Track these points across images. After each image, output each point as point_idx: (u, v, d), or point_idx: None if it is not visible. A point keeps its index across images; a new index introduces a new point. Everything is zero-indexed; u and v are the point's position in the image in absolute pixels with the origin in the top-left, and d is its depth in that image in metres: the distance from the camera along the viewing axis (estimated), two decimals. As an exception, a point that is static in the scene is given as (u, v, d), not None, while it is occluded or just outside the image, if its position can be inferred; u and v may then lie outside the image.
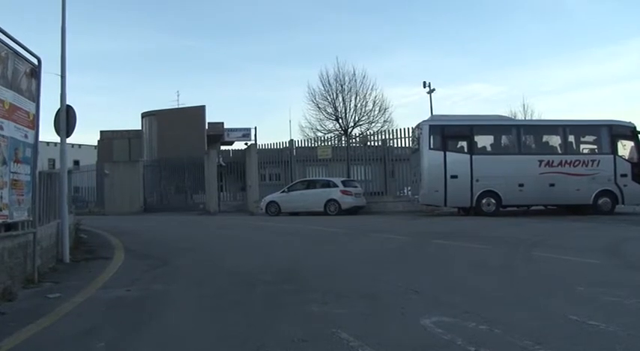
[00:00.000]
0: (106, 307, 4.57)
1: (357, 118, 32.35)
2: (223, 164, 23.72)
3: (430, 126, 15.08)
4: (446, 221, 13.32)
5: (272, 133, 75.83)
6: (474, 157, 14.80)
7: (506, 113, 30.06)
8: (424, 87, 31.28)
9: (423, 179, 14.99)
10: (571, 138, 14.91)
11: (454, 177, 14.69)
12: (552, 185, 14.34)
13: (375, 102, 32.24)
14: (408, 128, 19.00)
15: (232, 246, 9.18)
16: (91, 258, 7.56)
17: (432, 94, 31.07)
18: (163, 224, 15.46)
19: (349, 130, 32.02)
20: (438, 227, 11.54)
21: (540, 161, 14.49)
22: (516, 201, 14.78)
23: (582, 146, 14.95)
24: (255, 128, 34.61)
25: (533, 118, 30.67)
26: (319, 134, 31.75)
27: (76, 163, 40.88)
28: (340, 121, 32.33)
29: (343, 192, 17.90)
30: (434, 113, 24.77)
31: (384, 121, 32.22)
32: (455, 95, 63.31)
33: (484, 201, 14.67)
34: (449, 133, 15.01)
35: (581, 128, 14.95)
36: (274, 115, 75.91)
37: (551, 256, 6.78)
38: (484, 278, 5.51)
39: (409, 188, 18.44)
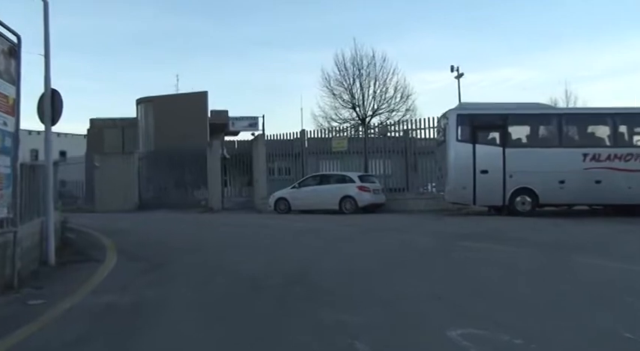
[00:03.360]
0: (96, 314, 4.56)
1: (376, 106, 32.29)
2: (227, 157, 23.77)
3: (458, 115, 14.93)
4: (474, 221, 13.20)
5: (282, 123, 75.90)
6: (507, 150, 14.55)
7: (545, 100, 29.67)
8: (451, 71, 30.98)
9: (449, 174, 14.86)
10: (622, 128, 14.53)
11: (484, 172, 14.53)
12: (598, 182, 13.99)
13: (396, 88, 32.16)
14: (433, 117, 18.89)
15: (237, 246, 9.20)
16: (80, 260, 7.56)
17: (460, 79, 30.76)
18: (161, 223, 15.56)
19: (367, 119, 31.94)
20: (466, 228, 11.45)
21: (585, 155, 14.20)
22: (556, 199, 14.54)
23: (635, 138, 14.55)
24: (263, 117, 34.93)
25: (577, 106, 30.26)
26: (334, 124, 31.79)
27: (63, 154, 41.23)
28: (357, 109, 32.29)
29: (360, 188, 17.89)
30: (462, 101, 24.57)
31: (407, 109, 32.15)
32: (485, 80, 62.69)
33: (518, 199, 14.49)
34: (479, 122, 14.84)
35: (633, 117, 14.50)
36: (284, 102, 76.07)
37: (594, 262, 6.65)
38: (517, 285, 5.42)
39: (433, 184, 18.34)
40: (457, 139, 14.79)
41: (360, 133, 23.33)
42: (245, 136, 35.89)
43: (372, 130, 23.92)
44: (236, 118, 35.39)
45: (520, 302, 4.65)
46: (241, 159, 23.80)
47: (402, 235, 9.97)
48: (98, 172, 25.03)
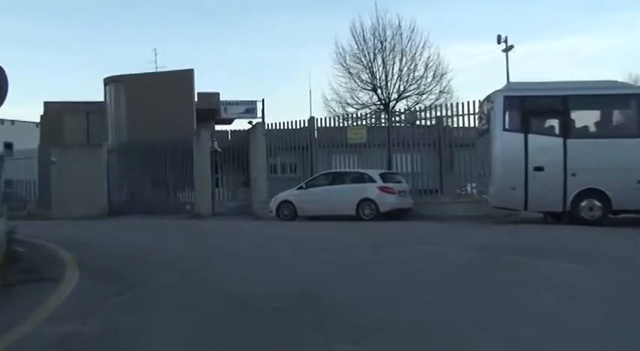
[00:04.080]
0: (51, 348, 4.48)
1: (402, 88, 32.31)
2: (219, 150, 23.91)
3: (506, 98, 14.84)
4: (526, 231, 13.11)
5: (285, 109, 76.00)
6: (569, 141, 14.44)
7: (622, 78, 28.80)
8: (498, 43, 30.92)
9: (494, 172, 14.81)
10: None
11: (539, 169, 14.39)
12: None
13: (427, 65, 32.18)
14: (474, 101, 18.86)
15: (230, 262, 9.15)
16: (31, 280, 7.47)
17: (509, 52, 30.66)
18: (135, 232, 15.60)
19: (391, 104, 31.95)
20: (516, 239, 11.38)
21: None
22: (634, 204, 14.30)
23: None
24: (263, 101, 34.92)
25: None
26: (350, 110, 31.93)
27: (8, 146, 41.26)
28: (379, 91, 32.31)
29: (382, 189, 17.98)
30: (511, 80, 24.41)
31: (440, 91, 32.16)
32: (541, 54, 61.97)
33: (584, 204, 14.30)
34: (533, 107, 14.79)
35: None
36: (288, 83, 76.15)
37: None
38: (585, 314, 5.27)
39: (474, 185, 18.39)
40: (504, 128, 14.72)
41: (383, 121, 23.28)
42: (240, 124, 35.98)
43: (398, 118, 23.85)
44: (229, 103, 35.47)
45: (592, 337, 4.49)
46: (236, 153, 23.91)
47: (434, 248, 9.91)
48: (55, 170, 25.14)
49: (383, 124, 22.41)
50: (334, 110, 32.67)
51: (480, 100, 17.44)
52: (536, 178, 14.36)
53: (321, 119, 22.75)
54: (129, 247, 11.41)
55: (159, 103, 30.64)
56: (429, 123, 20.93)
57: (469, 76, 62.35)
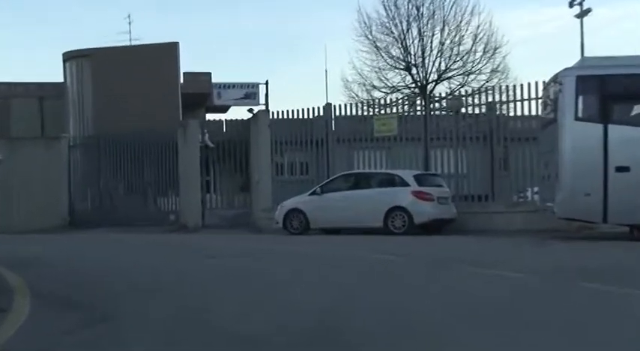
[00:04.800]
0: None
1: (443, 67, 32.31)
2: (211, 145, 24.05)
3: (579, 78, 14.76)
4: (607, 250, 12.97)
5: (295, 93, 76.04)
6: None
7: None
8: (570, 7, 30.47)
9: (562, 173, 14.73)
10: None
11: (623, 169, 14.27)
12: None
13: (476, 37, 32.21)
14: (537, 83, 18.80)
15: (226, 286, 9.11)
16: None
17: (585, 18, 30.18)
18: (104, 249, 15.58)
19: (429, 86, 31.89)
20: (592, 260, 11.25)
21: None
22: None
23: None
24: (267, 84, 35.11)
25: None
26: (377, 95, 31.94)
27: None
28: (414, 71, 32.30)
29: (417, 194, 18.04)
30: (585, 55, 24.16)
31: (493, 70, 32.13)
32: (626, 19, 60.96)
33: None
34: (614, 89, 14.73)
35: None
36: (298, 61, 76.18)
37: None
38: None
39: (535, 190, 18.27)
40: (576, 117, 14.66)
41: (419, 108, 23.22)
42: (238, 113, 36.15)
43: (438, 104, 23.76)
44: (224, 86, 35.64)
45: None
46: (232, 149, 24.04)
47: (486, 272, 9.78)
48: (0, 169, 25.20)
49: (419, 113, 22.36)
50: (357, 95, 32.81)
51: (544, 82, 17.37)
52: (618, 181, 14.22)
53: (340, 106, 22.80)
54: (96, 268, 11.37)
55: (134, 85, 30.81)
56: (477, 111, 20.94)
57: (530, 51, 61.94)
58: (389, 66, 32.61)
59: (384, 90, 32.41)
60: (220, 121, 27.75)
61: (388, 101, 25.17)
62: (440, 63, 32.19)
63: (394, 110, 22.60)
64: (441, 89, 31.60)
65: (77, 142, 27.94)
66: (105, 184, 26.30)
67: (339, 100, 35.55)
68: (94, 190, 26.54)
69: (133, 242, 17.53)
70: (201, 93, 34.95)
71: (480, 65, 32.08)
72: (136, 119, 27.65)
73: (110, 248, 15.68)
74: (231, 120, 27.46)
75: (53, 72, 38.79)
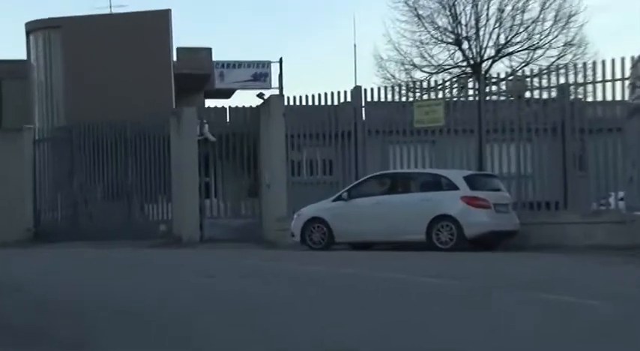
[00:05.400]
0: None
1: (502, 40, 32.11)
2: (212, 139, 24.13)
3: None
4: None
5: (315, 75, 76.10)
6: None
7: None
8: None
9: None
10: None
11: None
12: None
13: (545, 3, 31.89)
14: (622, 59, 18.72)
15: (228, 316, 9.09)
16: None
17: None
18: (79, 268, 15.58)
19: (485, 65, 31.72)
20: None
21: None
22: None
23: None
24: (280, 62, 34.84)
25: None
26: (419, 75, 31.88)
27: None
28: (466, 45, 32.10)
29: (469, 200, 18.01)
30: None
31: (566, 43, 31.89)
32: None
33: None
34: None
35: None
36: (319, 35, 76.08)
37: None
38: None
39: (621, 195, 18.21)
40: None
41: (471, 92, 23.06)
42: (245, 98, 36.10)
43: (495, 87, 23.63)
44: (227, 65, 35.56)
45: None
46: (238, 144, 24.16)
47: (563, 298, 9.65)
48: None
49: (471, 98, 22.28)
50: (393, 76, 32.81)
51: (632, 58, 17.34)
52: None
53: (372, 91, 22.70)
54: (66, 293, 11.38)
55: (115, 63, 30.76)
56: (546, 95, 20.83)
57: (615, 19, 61.45)
58: (434, 39, 32.60)
59: (427, 70, 32.45)
60: (223, 108, 27.40)
61: (432, 84, 25.15)
62: (498, 35, 32.11)
63: (440, 95, 22.49)
64: (500, 68, 31.53)
65: (44, 134, 28.01)
66: (79, 188, 26.32)
67: (370, 82, 35.64)
68: (65, 194, 26.59)
69: (113, 260, 17.51)
70: (200, 74, 34.85)
71: (549, 37, 31.98)
72: (118, 106, 27.59)
73: (85, 267, 15.65)
74: (237, 107, 27.04)
75: (14, 47, 38.92)
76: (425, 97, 22.48)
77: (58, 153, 26.92)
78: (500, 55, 32.14)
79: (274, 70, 34.45)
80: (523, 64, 31.25)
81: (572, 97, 20.09)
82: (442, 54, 32.67)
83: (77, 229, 24.89)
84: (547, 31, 31.81)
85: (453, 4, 31.96)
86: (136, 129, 25.32)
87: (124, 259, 17.44)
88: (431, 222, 17.92)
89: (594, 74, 19.59)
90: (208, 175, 24.51)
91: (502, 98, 22.46)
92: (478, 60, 31.84)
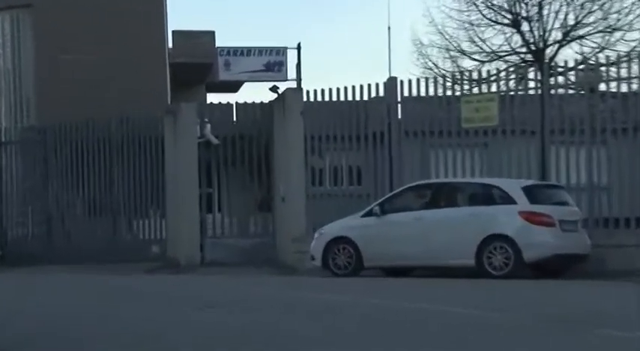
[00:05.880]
0: None
1: (571, 20, 31.97)
2: (215, 141, 24.27)
3: None
4: None
5: (340, 64, 76.12)
6: None
7: None
8: None
9: None
10: None
11: None
12: None
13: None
14: None
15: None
16: None
17: None
18: (52, 299, 15.64)
19: (549, 51, 31.66)
20: None
21: None
22: None
23: None
24: (299, 49, 34.91)
25: None
26: (467, 64, 31.99)
27: None
28: (527, 26, 32.04)
29: (529, 216, 17.94)
30: None
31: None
32: None
33: None
34: None
35: None
36: (345, 16, 76.08)
37: None
38: None
39: None
40: None
41: (532, 84, 23.02)
42: (256, 92, 36.14)
43: (562, 78, 23.59)
44: (234, 52, 35.65)
45: None
46: (247, 148, 24.25)
47: (632, 335, 9.66)
48: None
49: (532, 92, 22.19)
50: (436, 66, 32.79)
51: None
52: None
53: (409, 83, 22.60)
54: (46, 328, 11.49)
55: (99, 50, 30.90)
56: (625, 88, 20.77)
57: None
58: (486, 20, 32.48)
59: (477, 57, 32.36)
60: (229, 104, 27.41)
61: (484, 74, 24.98)
62: (566, 14, 31.94)
63: (494, 88, 22.49)
64: (568, 55, 31.21)
65: (12, 136, 28.06)
66: (55, 200, 26.41)
67: (408, 73, 35.52)
68: (37, 208, 26.65)
69: (95, 288, 17.57)
70: (200, 63, 34.95)
71: (629, 17, 31.74)
72: (102, 102, 27.74)
73: (61, 297, 15.72)
74: (245, 103, 26.91)
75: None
76: (475, 90, 22.35)
77: (29, 158, 26.96)
78: (568, 38, 31.97)
79: (291, 58, 34.52)
80: (597, 50, 31.07)
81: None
82: (496, 38, 32.58)
83: (52, 251, 24.91)
84: (627, 10, 31.62)
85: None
86: (124, 130, 25.41)
87: (105, 288, 17.42)
88: (482, 243, 17.82)
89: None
90: (211, 185, 24.65)
91: (570, 92, 22.41)
92: (541, 45, 31.73)
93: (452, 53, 32.64)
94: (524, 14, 31.90)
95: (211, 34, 36.04)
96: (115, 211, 25.92)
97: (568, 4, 31.62)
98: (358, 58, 74.29)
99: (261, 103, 25.90)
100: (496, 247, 17.79)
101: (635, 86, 20.42)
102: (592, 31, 31.89)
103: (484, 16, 32.27)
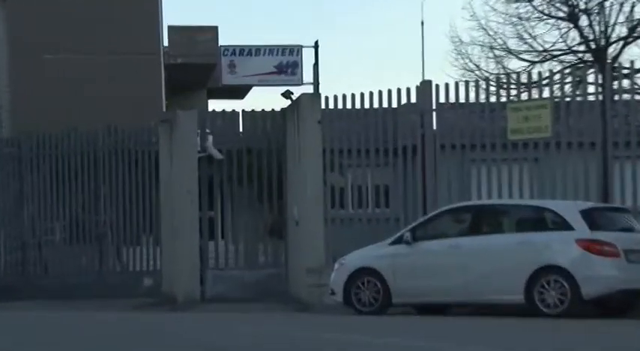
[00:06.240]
0: None
1: (637, 14, 31.93)
2: (218, 156, 24.37)
3: None
4: None
5: (364, 65, 76.24)
6: None
7: None
8: None
9: None
10: None
11: None
12: None
13: None
14: None
15: None
16: None
17: None
18: (26, 344, 15.69)
19: (611, 49, 31.64)
20: None
21: None
22: None
23: None
24: (317, 48, 34.99)
25: None
26: (515, 66, 31.97)
27: None
28: (587, 20, 32.01)
29: (589, 245, 17.71)
30: None
31: None
32: None
33: None
34: None
35: None
36: (369, 9, 76.27)
37: None
38: None
39: None
40: None
41: (592, 89, 22.97)
42: (265, 98, 36.17)
43: (627, 81, 23.51)
44: (241, 50, 35.80)
45: None
46: (256, 163, 24.34)
47: None
48: None
49: (591, 98, 22.12)
50: (477, 67, 32.62)
51: None
52: None
53: (446, 87, 22.61)
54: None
55: (82, 49, 30.96)
56: None
57: None
58: (538, 14, 32.43)
59: (527, 57, 32.13)
60: (234, 113, 27.38)
61: (535, 77, 24.94)
62: (633, 6, 31.80)
63: (546, 93, 22.45)
64: (634, 54, 31.16)
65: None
66: (30, 224, 26.50)
67: (444, 76, 35.32)
68: (10, 233, 26.73)
69: (77, 330, 17.56)
70: (201, 64, 35.10)
71: None
72: (86, 111, 27.85)
73: (36, 343, 15.76)
74: (253, 111, 26.97)
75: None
76: (524, 95, 22.32)
77: (1, 175, 27.04)
78: (634, 35, 31.91)
79: (307, 58, 34.58)
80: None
81: None
82: (550, 34, 32.38)
83: (26, 283, 25.01)
84: None
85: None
86: (112, 142, 25.50)
87: (85, 330, 17.38)
88: (532, 276, 17.60)
89: None
90: (213, 208, 24.68)
91: (637, 97, 22.30)
92: (602, 43, 31.59)
93: (496, 52, 32.46)
94: (582, 6, 31.77)
95: (214, 30, 36.22)
96: (101, 237, 25.96)
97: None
98: (386, 58, 74.76)
99: (272, 111, 25.99)
100: (549, 281, 17.53)
101: None
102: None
103: (535, 8, 32.11)
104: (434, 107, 22.14)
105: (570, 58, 31.82)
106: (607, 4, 31.46)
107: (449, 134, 21.96)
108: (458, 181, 21.73)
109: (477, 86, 23.29)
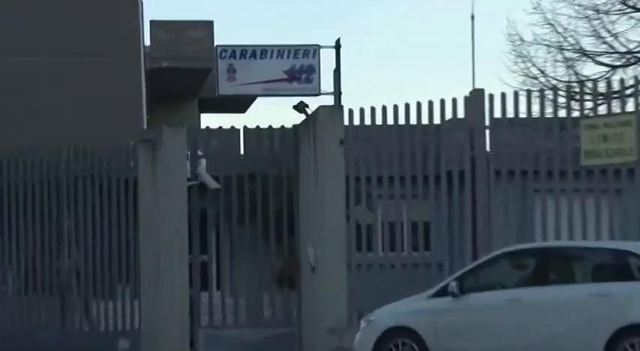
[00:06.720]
0: None
1: None
2: (214, 185, 24.43)
3: None
4: None
5: (397, 70, 76.46)
6: None
7: None
8: None
9: None
10: None
11: None
12: None
13: None
14: None
15: None
16: None
17: None
18: None
19: None
20: None
21: None
22: None
23: None
24: (338, 49, 34.99)
25: None
26: (590, 71, 31.83)
27: None
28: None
29: None
30: None
31: None
32: None
33: None
34: None
35: None
36: (404, 3, 76.77)
37: None
38: None
39: None
40: None
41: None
42: (272, 112, 36.07)
43: None
44: (242, 52, 35.76)
45: None
46: (261, 194, 24.35)
47: None
48: None
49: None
50: (542, 73, 32.65)
51: None
52: None
53: (503, 98, 22.65)
54: None
55: (44, 50, 31.12)
56: None
57: None
58: (619, 5, 32.40)
59: (606, 60, 32.20)
60: (234, 130, 27.45)
61: (617, 86, 24.91)
62: None
63: (630, 107, 22.44)
64: None
65: None
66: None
67: (500, 84, 35.30)
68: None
69: None
70: (192, 69, 35.23)
71: None
72: (48, 127, 27.91)
73: None
74: (258, 128, 27.12)
75: None
76: (602, 109, 22.21)
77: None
78: None
79: (326, 61, 34.43)
80: None
81: None
82: (635, 32, 32.47)
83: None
84: None
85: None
86: (80, 166, 25.48)
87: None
88: (613, 337, 17.39)
89: None
90: (207, 250, 24.67)
91: None
92: None
93: (567, 54, 32.49)
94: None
95: (208, 26, 36.31)
96: (65, 287, 25.87)
97: None
98: (425, 62, 74.93)
99: (282, 128, 26.05)
100: (635, 344, 17.35)
101: None
102: None
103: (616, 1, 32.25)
104: (487, 124, 22.16)
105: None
106: None
107: (506, 158, 21.97)
108: (517, 216, 21.67)
109: (542, 97, 23.24)
